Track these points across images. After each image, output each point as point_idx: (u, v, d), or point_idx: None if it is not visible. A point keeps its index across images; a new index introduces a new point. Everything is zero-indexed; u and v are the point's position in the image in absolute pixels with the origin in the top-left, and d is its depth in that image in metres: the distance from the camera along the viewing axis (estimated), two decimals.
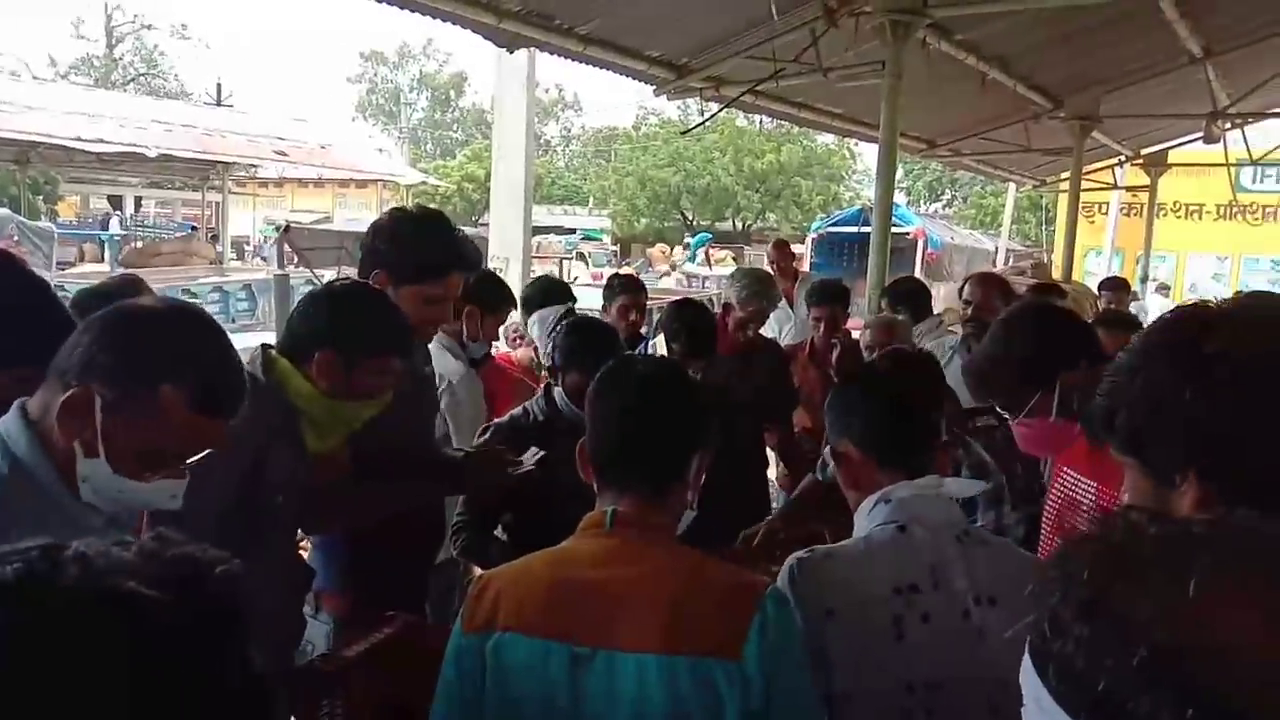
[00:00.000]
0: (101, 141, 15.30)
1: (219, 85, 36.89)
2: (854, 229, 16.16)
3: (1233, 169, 12.45)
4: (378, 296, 2.21)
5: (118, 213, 25.82)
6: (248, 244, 30.03)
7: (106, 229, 23.32)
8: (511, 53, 6.32)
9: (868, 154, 7.92)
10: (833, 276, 6.99)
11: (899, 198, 30.91)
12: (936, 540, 1.65)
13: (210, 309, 12.61)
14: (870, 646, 1.58)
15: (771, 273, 5.08)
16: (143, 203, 29.19)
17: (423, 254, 2.34)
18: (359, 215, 27.32)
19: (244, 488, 1.84)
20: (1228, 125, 9.94)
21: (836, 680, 1.58)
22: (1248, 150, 11.06)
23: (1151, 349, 1.14)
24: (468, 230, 13.52)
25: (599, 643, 1.41)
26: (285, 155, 20.02)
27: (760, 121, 38.53)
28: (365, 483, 2.26)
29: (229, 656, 0.68)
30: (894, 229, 9.87)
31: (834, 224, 19.42)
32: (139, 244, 21.05)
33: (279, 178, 30.82)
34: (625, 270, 20.32)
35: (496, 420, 3.10)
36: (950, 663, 1.59)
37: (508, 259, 8.09)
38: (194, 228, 24.48)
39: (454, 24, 5.62)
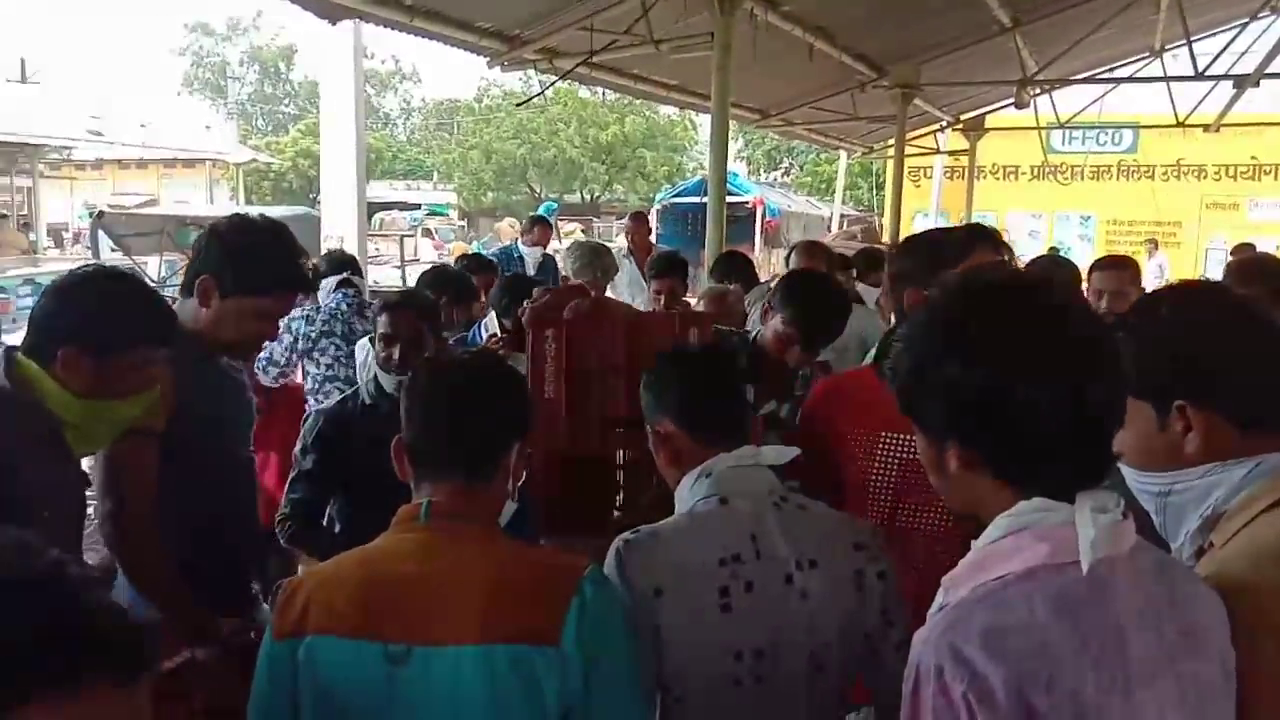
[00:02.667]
0: None
1: (23, 61, 34.19)
2: (697, 199, 16.40)
3: (1043, 132, 13.21)
4: (125, 281, 2.02)
5: None
6: (66, 231, 28.09)
7: None
8: (334, 24, 6.11)
9: (708, 125, 8.11)
10: (678, 248, 7.13)
11: (740, 167, 31.55)
12: (756, 509, 1.68)
13: (22, 303, 11.73)
14: (700, 620, 1.60)
15: (605, 244, 5.14)
16: None
17: (253, 266, 2.18)
18: (187, 196, 25.92)
19: None
20: (1037, 91, 10.55)
21: (669, 657, 1.60)
22: (1055, 114, 11.77)
23: (926, 318, 1.20)
24: (306, 209, 12.97)
25: (414, 639, 1.38)
26: (101, 135, 18.82)
27: (603, 94, 38.50)
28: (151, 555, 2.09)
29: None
30: (733, 198, 10.10)
31: (677, 195, 19.68)
32: None
33: (97, 159, 28.90)
34: (473, 248, 20.04)
35: (321, 407, 3.02)
36: (775, 628, 1.63)
37: (342, 237, 7.84)
38: (2, 215, 22.71)
39: None
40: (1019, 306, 1.15)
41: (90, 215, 22.33)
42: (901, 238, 11.69)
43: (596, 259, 4.35)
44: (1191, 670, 1.13)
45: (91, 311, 1.87)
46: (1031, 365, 1.10)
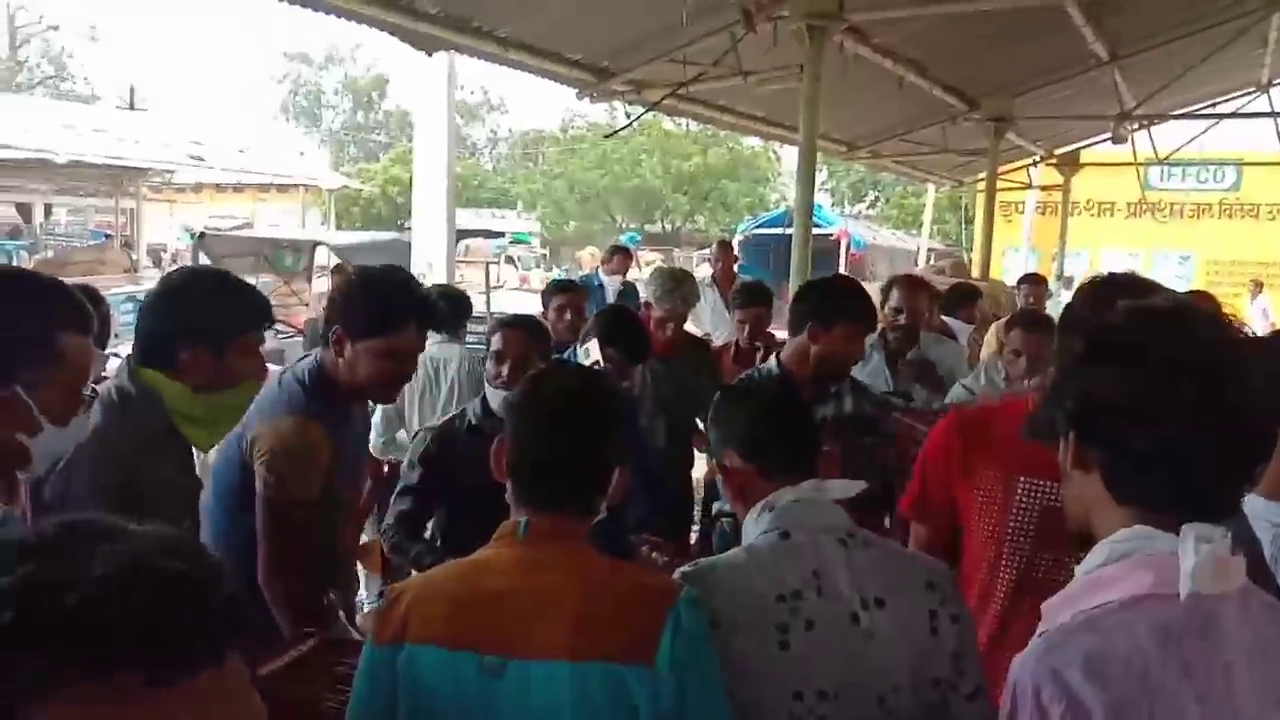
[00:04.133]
0: (6, 147, 14.75)
1: (131, 89, 35.87)
2: (779, 230, 16.36)
3: (1141, 168, 12.86)
4: (221, 275, 2.15)
5: (26, 224, 24.92)
6: (165, 251, 29.24)
7: (14, 239, 22.47)
8: (430, 55, 6.25)
9: (791, 156, 8.11)
10: (759, 278, 7.09)
11: (824, 199, 31.41)
12: (818, 545, 1.63)
13: (124, 319, 12.21)
14: (755, 655, 1.56)
15: (688, 271, 5.13)
16: (53, 210, 28.19)
17: (377, 305, 2.26)
18: (280, 220, 26.77)
19: (114, 503, 1.77)
20: (1135, 126, 10.27)
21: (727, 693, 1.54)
22: (1154, 150, 11.44)
23: (1091, 333, 1.21)
24: (395, 235, 13.28)
25: (509, 652, 1.40)
26: (202, 160, 19.55)
27: (687, 124, 38.74)
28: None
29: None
30: (817, 230, 10.01)
31: (760, 226, 19.69)
32: (49, 253, 20.32)
33: (196, 183, 30.06)
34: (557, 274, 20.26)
35: (430, 424, 3.11)
36: (840, 669, 1.57)
37: (431, 263, 8.00)
38: (107, 235, 23.71)
39: (370, 26, 5.54)
40: (1176, 323, 1.15)
41: (189, 237, 23.22)
42: (991, 273, 11.46)
43: (678, 286, 4.34)
44: None
45: (205, 307, 1.97)
46: (1165, 378, 1.08)
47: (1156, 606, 1.07)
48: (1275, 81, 10.15)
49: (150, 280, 18.49)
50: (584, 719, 1.38)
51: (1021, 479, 1.99)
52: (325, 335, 2.31)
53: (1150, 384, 1.08)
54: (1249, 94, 10.69)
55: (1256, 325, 14.89)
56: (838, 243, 17.96)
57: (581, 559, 1.49)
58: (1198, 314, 1.18)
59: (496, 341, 2.90)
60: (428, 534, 2.90)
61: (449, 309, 4.97)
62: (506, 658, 1.40)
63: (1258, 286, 15.36)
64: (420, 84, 8.27)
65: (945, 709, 1.62)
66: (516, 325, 2.99)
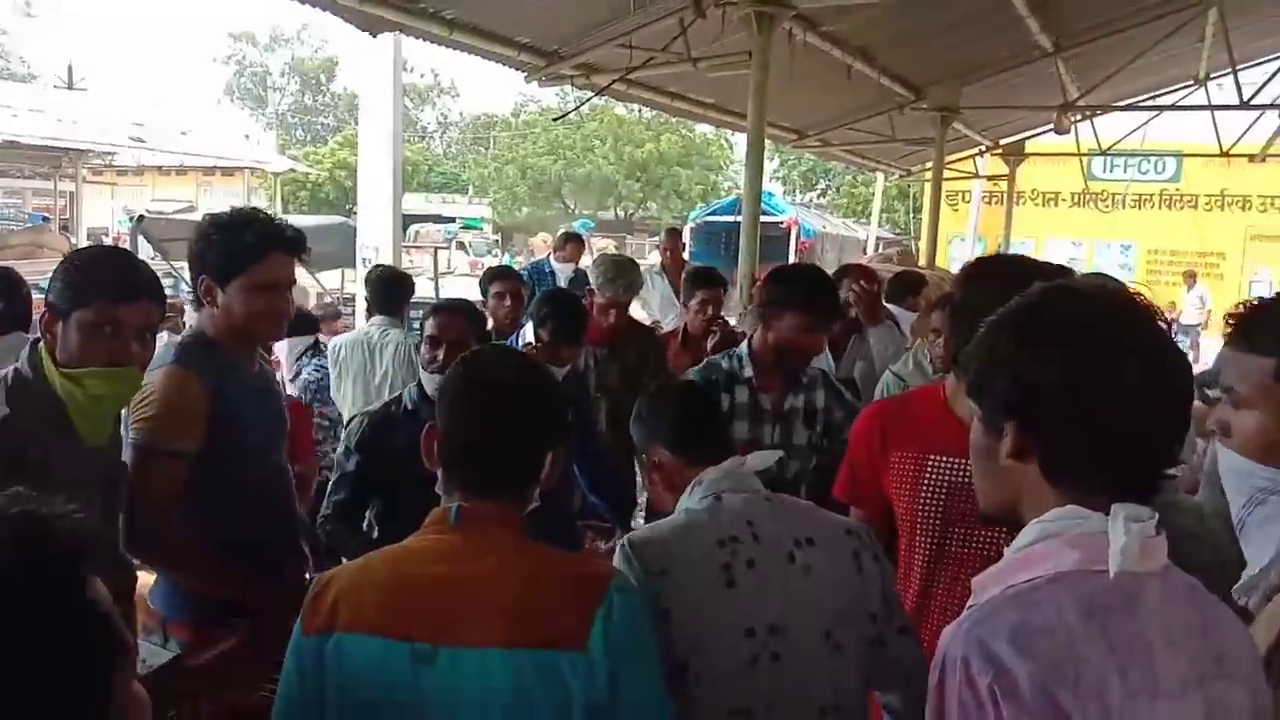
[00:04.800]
0: None
1: (70, 68, 34.94)
2: (731, 218, 16.38)
3: (1084, 158, 13.09)
4: (100, 249, 2.15)
5: None
6: (105, 235, 28.57)
7: None
8: (374, 36, 6.15)
9: (744, 144, 8.11)
10: (711, 265, 7.10)
11: (775, 187, 31.55)
12: (748, 501, 1.80)
13: None
14: (705, 596, 1.68)
15: (632, 258, 5.13)
16: None
17: (235, 241, 2.23)
18: (225, 204, 26.27)
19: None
20: (1077, 117, 10.46)
21: (682, 637, 1.66)
22: (1097, 141, 11.66)
23: (1008, 315, 1.21)
24: (342, 219, 13.11)
25: (440, 640, 1.38)
26: (143, 141, 19.12)
27: (640, 110, 38.69)
28: (192, 546, 2.17)
29: (68, 592, 0.78)
30: (767, 218, 10.08)
31: (712, 213, 19.68)
32: None
33: (139, 165, 29.39)
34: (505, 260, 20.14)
35: (366, 409, 3.07)
36: (784, 603, 1.71)
37: (377, 248, 7.89)
38: (45, 218, 23.09)
39: (314, 6, 5.45)
40: (1099, 311, 1.15)
41: (130, 220, 22.72)
42: (938, 261, 11.59)
43: (621, 274, 4.32)
44: (1220, 694, 1.13)
45: (59, 275, 1.92)
46: (1097, 366, 1.10)
47: (1082, 582, 1.10)
48: (1212, 75, 10.39)
49: None
50: (517, 706, 1.37)
51: (932, 458, 2.11)
52: (194, 291, 2.28)
53: (1097, 367, 1.10)
54: (1187, 87, 10.94)
55: (1194, 314, 15.23)
56: (788, 231, 18.03)
57: (514, 545, 1.48)
58: (1123, 296, 1.20)
59: (430, 326, 2.87)
60: (365, 524, 2.86)
61: (388, 290, 4.95)
62: (437, 645, 1.38)
63: (1191, 277, 15.72)
64: (366, 66, 8.14)
65: (883, 646, 1.78)
66: (451, 309, 2.97)
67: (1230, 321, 1.51)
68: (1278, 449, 1.37)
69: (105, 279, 1.91)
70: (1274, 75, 8.89)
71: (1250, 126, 10.63)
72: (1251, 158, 12.00)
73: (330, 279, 11.26)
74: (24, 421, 1.84)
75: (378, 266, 5.83)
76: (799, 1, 5.73)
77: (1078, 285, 1.26)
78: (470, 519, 1.47)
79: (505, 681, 1.37)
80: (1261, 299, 1.60)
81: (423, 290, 12.71)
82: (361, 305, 8.15)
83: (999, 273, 2.05)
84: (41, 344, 1.93)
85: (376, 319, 4.85)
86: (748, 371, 2.99)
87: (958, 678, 1.09)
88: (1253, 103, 8.83)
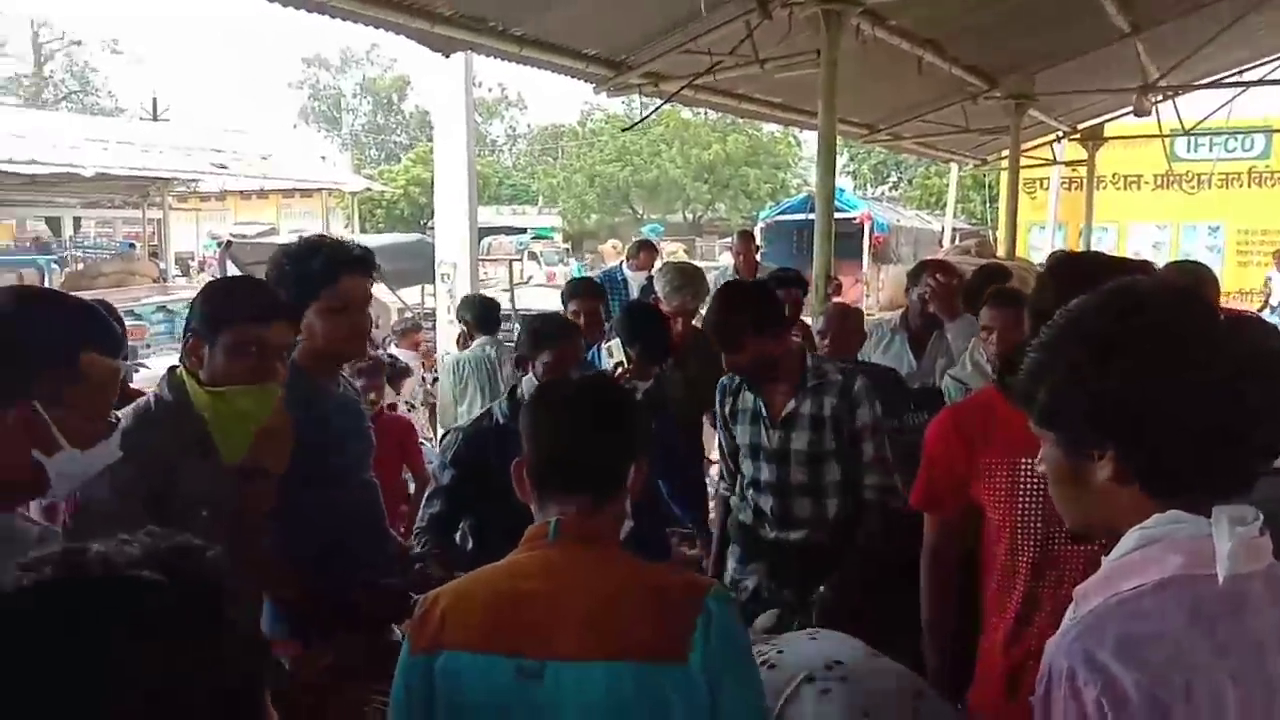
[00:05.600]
0: (34, 162, 14.92)
1: (154, 100, 36.23)
2: (802, 216, 16.27)
3: (1167, 140, 12.68)
4: (234, 277, 2.26)
5: (55, 237, 25.28)
6: (192, 260, 29.53)
7: (46, 253, 22.75)
8: (447, 57, 6.27)
9: (812, 141, 8.07)
10: (784, 265, 7.07)
11: (845, 183, 31.18)
12: None
13: (156, 329, 12.35)
14: None
15: (697, 266, 5.13)
16: (82, 223, 28.55)
17: (305, 268, 2.33)
18: (304, 225, 26.93)
19: (154, 509, 1.81)
20: (1158, 98, 10.13)
21: None
22: (1179, 121, 11.28)
23: (1073, 328, 1.16)
24: (419, 236, 13.25)
25: (545, 654, 1.41)
26: (225, 168, 19.71)
27: (705, 113, 38.58)
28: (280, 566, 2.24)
29: (222, 625, 0.82)
30: (839, 214, 9.96)
31: (782, 212, 19.55)
32: (79, 266, 20.58)
33: (221, 191, 30.26)
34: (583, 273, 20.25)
35: (459, 424, 3.14)
36: None
37: (455, 264, 8.03)
38: (132, 245, 23.99)
39: (387, 30, 5.57)
40: (1174, 313, 1.13)
41: (215, 245, 23.44)
42: (1018, 251, 11.32)
43: (688, 282, 4.32)
44: None
45: (200, 300, 2.09)
46: (1189, 372, 1.08)
47: (1188, 587, 1.07)
48: None
49: (180, 290, 18.67)
50: (620, 718, 1.40)
51: (1023, 461, 2.02)
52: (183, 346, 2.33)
53: (1192, 375, 1.07)
54: (1275, 60, 10.51)
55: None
56: (861, 226, 17.81)
57: (610, 559, 1.51)
58: (1184, 292, 1.18)
59: (547, 355, 2.87)
60: (459, 536, 2.92)
61: (487, 313, 5.36)
62: (544, 660, 1.41)
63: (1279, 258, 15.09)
64: (438, 84, 8.30)
65: None
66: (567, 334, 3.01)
67: None
68: None
69: (246, 302, 2.07)
70: None
71: None
72: None
73: (410, 295, 11.48)
74: (168, 443, 1.96)
75: (470, 295, 6.07)
76: None
77: (1137, 286, 1.21)
78: (568, 533, 1.50)
79: (607, 696, 1.40)
80: None
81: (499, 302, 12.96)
82: (444, 318, 8.31)
83: (1084, 272, 1.95)
84: (180, 369, 2.07)
85: (484, 338, 5.10)
86: None
87: (1063, 690, 1.06)
88: None
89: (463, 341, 5.40)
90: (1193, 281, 3.24)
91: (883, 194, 35.14)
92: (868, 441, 2.92)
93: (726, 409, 3.15)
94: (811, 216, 7.81)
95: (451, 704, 1.44)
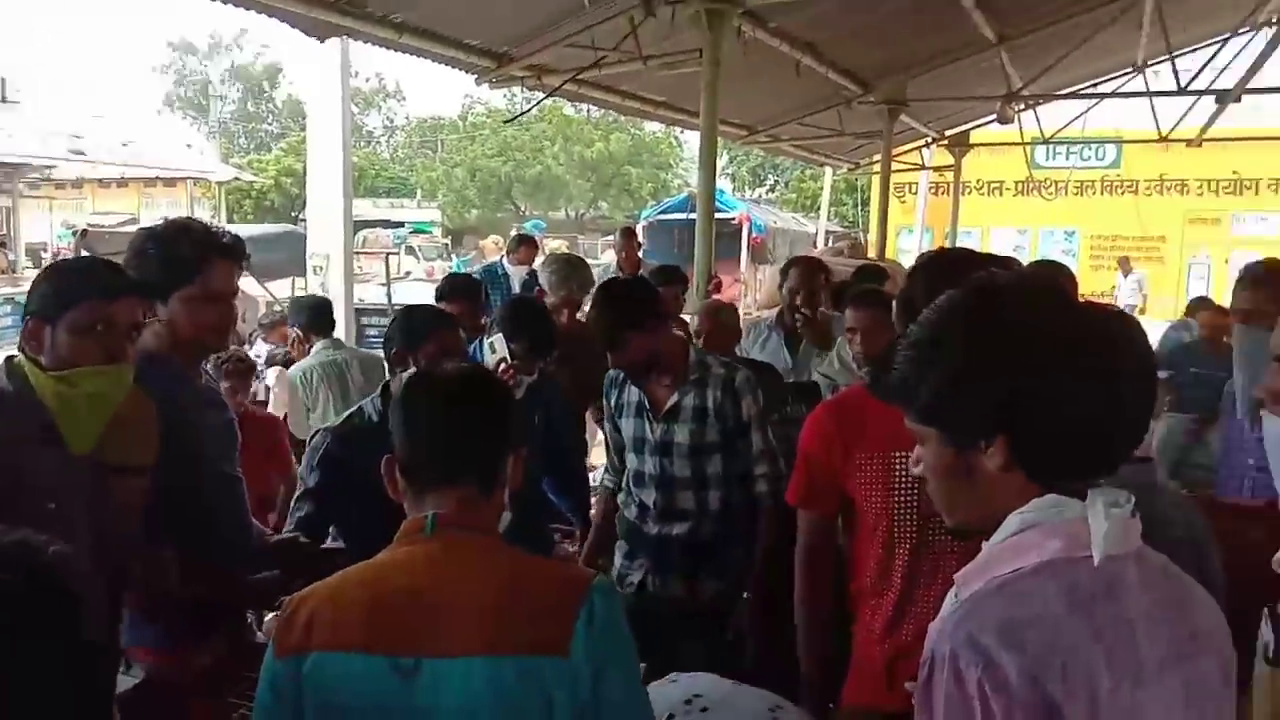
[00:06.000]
0: None
1: (2, 81, 34.02)
2: (683, 215, 16.43)
3: (1027, 148, 13.30)
4: (76, 257, 2.14)
5: None
6: (45, 250, 27.90)
7: None
8: (322, 41, 6.07)
9: (693, 141, 8.16)
10: (666, 263, 7.10)
11: (724, 184, 31.66)
12: None
13: (3, 322, 11.60)
14: None
15: (581, 257, 5.13)
16: None
17: (172, 253, 2.21)
18: (168, 215, 25.76)
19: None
20: (1021, 106, 10.61)
21: None
22: (1039, 130, 11.84)
23: (950, 323, 1.18)
24: (290, 227, 12.86)
25: (422, 652, 1.37)
26: (82, 154, 18.68)
27: (588, 110, 38.62)
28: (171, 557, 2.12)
29: (66, 624, 0.81)
30: (719, 214, 10.08)
31: (663, 211, 19.71)
32: None
33: (77, 178, 28.74)
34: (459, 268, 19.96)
35: (328, 425, 3.00)
36: None
37: (328, 255, 7.79)
38: None
39: (262, 13, 5.36)
40: (1046, 303, 1.16)
41: (70, 235, 22.19)
42: (887, 253, 11.70)
43: (574, 273, 4.31)
44: (1197, 671, 1.15)
45: (42, 279, 1.97)
46: (1068, 359, 1.11)
47: (1065, 570, 1.10)
48: (1150, 62, 10.60)
49: (29, 281, 17.58)
50: (501, 714, 1.37)
51: (897, 454, 2.07)
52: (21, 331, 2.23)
53: (1073, 363, 1.10)
54: (1127, 74, 11.15)
55: (1131, 299, 15.53)
56: (740, 226, 18.11)
57: (490, 552, 1.47)
58: (1052, 285, 1.22)
59: (431, 346, 2.74)
60: (329, 541, 2.80)
61: (323, 314, 5.05)
62: (420, 658, 1.37)
63: (1125, 263, 16.00)
64: (312, 71, 8.04)
65: None
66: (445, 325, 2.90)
67: None
68: None
69: (93, 279, 1.94)
70: (1210, 60, 9.10)
71: (1187, 111, 10.86)
72: (1189, 142, 12.27)
73: (280, 288, 11.10)
74: (7, 433, 1.83)
75: (299, 298, 5.68)
76: None
77: (1000, 280, 1.24)
78: (446, 526, 1.45)
79: (488, 691, 1.36)
80: None
81: (374, 297, 12.61)
82: None
83: (951, 267, 2.04)
84: (19, 357, 1.92)
85: (324, 341, 4.88)
86: None
87: (946, 673, 1.08)
88: (1189, 88, 9.03)
89: (299, 349, 5.08)
90: (1053, 277, 3.40)
91: (760, 196, 35.80)
92: (755, 432, 2.95)
93: (612, 402, 3.15)
94: (692, 216, 7.88)
95: (322, 708, 1.38)
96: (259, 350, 6.93)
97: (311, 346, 4.95)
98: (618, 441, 3.16)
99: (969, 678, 1.06)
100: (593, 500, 3.63)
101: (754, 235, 18.38)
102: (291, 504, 2.79)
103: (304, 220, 10.60)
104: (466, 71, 6.84)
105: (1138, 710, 1.08)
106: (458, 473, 1.49)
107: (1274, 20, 9.07)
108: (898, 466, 2.08)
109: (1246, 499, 3.17)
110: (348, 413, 2.97)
